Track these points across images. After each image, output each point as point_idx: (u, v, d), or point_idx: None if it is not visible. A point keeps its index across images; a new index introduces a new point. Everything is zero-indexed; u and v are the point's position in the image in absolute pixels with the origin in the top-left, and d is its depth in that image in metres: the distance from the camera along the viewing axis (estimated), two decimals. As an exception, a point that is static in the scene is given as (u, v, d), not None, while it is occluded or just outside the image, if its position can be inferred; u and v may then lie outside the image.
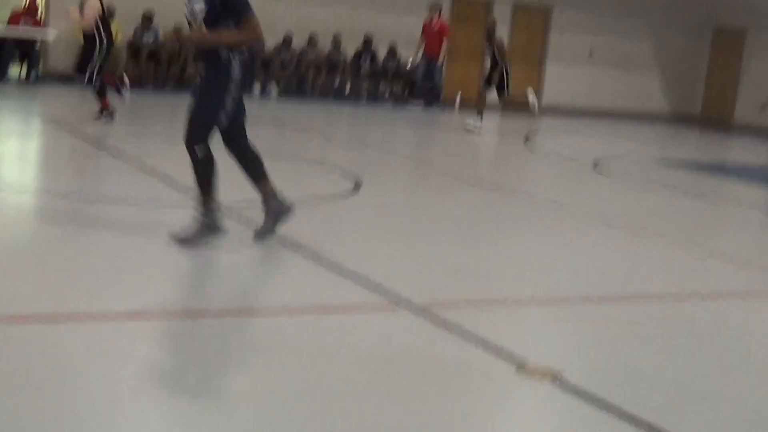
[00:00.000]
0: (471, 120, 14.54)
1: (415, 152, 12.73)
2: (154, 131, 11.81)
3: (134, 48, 16.52)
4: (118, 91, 11.63)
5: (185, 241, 5.48)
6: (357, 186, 8.47)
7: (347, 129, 14.89)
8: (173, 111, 13.01)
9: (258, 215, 5.93)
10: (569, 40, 21.31)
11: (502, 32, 17.43)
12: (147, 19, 16.50)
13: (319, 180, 8.96)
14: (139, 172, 8.24)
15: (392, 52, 18.89)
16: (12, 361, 3.62)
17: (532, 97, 16.19)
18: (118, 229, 5.89)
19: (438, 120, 17.28)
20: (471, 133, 14.32)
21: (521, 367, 4.02)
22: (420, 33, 18.02)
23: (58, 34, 15.56)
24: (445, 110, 18.14)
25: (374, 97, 19.04)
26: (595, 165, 11.87)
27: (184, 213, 5.91)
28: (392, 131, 14.63)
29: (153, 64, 16.64)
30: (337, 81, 18.64)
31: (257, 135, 12.26)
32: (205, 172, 5.53)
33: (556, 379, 3.89)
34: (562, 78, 21.60)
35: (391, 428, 3.33)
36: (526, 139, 14.58)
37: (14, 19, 15.71)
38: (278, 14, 17.17)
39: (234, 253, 5.61)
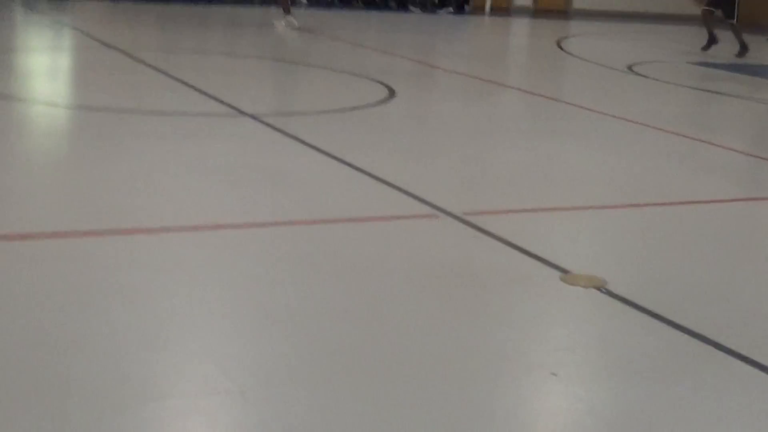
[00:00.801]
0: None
1: (447, 59, 12.53)
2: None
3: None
4: None
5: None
6: (390, 95, 8.35)
7: (377, 36, 14.68)
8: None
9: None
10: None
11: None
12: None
13: (350, 89, 8.84)
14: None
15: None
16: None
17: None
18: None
19: (469, 25, 17.00)
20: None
21: (566, 274, 3.98)
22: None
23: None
24: (475, 15, 17.83)
25: (403, 4, 18.72)
26: (630, 68, 11.66)
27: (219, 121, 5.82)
28: (423, 38, 14.40)
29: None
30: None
31: (287, 43, 11.88)
32: None
33: (602, 287, 3.84)
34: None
35: (442, 333, 3.31)
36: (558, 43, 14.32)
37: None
38: None
39: (260, 161, 5.56)
